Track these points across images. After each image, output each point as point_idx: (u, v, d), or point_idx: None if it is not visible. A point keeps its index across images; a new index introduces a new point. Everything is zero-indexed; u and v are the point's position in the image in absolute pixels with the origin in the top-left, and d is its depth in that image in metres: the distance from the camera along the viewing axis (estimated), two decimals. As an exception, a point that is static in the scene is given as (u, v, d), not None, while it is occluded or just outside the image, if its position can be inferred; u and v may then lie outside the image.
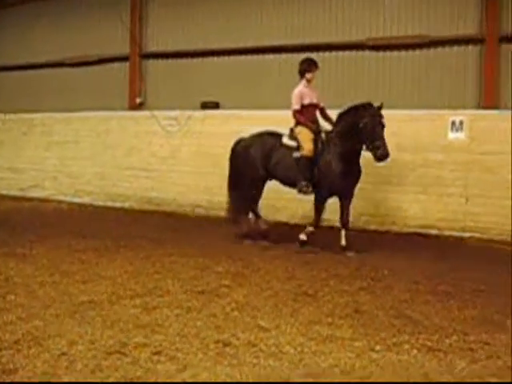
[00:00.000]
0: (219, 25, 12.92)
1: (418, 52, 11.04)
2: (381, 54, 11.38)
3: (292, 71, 11.80)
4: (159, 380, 3.94)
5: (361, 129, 8.09)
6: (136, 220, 11.75)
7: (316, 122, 8.86)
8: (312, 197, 8.69)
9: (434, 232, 10.09)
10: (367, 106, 8.19)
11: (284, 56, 12.20)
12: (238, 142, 9.46)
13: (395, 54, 11.27)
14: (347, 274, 7.17)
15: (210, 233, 10.15)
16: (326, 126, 8.85)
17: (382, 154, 7.97)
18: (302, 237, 8.70)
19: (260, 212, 9.47)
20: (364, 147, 8.20)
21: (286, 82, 11.83)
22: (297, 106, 8.70)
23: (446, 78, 10.86)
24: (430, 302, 6.05)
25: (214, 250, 8.42)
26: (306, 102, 8.73)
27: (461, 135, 10.04)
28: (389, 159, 8.07)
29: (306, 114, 8.71)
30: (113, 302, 5.68)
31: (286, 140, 8.86)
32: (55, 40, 15.23)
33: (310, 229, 8.68)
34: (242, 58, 12.78)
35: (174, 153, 12.81)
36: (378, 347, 4.67)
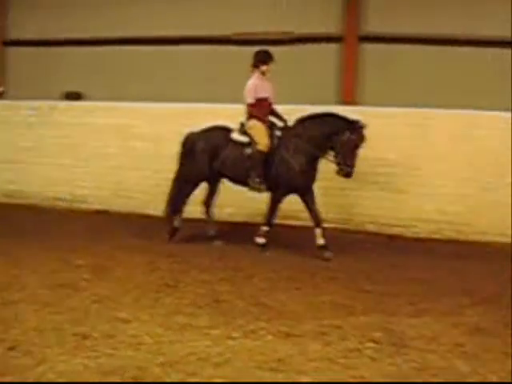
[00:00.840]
0: (86, 14, 12.55)
1: (281, 48, 11.27)
2: (245, 48, 11.52)
3: (157, 63, 11.91)
4: (15, 375, 3.89)
5: (340, 142, 7.84)
6: (-5, 214, 11.29)
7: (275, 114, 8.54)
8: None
9: (298, 223, 10.33)
10: (354, 122, 7.87)
11: (153, 48, 12.10)
12: (187, 137, 8.92)
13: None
14: (209, 265, 7.28)
15: (71, 226, 9.92)
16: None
17: (349, 173, 7.85)
18: (260, 240, 8.34)
19: (213, 214, 9.07)
20: (329, 157, 8.05)
21: (154, 75, 11.89)
22: (251, 100, 8.26)
23: (307, 75, 11.19)
24: (288, 290, 6.29)
25: (74, 244, 8.23)
26: (261, 95, 8.30)
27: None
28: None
29: (260, 109, 8.31)
30: (-34, 299, 5.50)
31: (235, 135, 8.46)
32: None
33: (265, 228, 8.34)
34: (110, 48, 12.50)
35: (36, 144, 12.38)
36: (234, 334, 4.82)
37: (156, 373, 4.05)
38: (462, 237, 9.71)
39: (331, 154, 8.04)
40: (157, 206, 10.29)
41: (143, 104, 11.34)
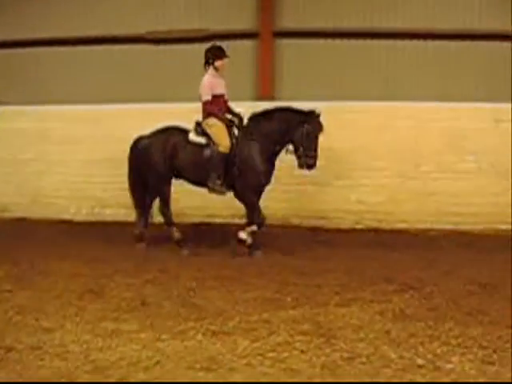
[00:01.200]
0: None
1: (197, 46, 11.21)
2: (161, 47, 11.44)
3: (71, 65, 11.61)
4: None
5: (299, 135, 7.82)
6: None
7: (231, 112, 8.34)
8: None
9: (218, 221, 10.34)
10: (310, 113, 7.86)
11: (66, 49, 11.74)
12: (137, 141, 8.62)
13: (175, 47, 11.37)
14: (133, 268, 7.17)
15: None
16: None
17: (311, 164, 7.83)
18: (249, 240, 8.06)
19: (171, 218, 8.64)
20: (288, 151, 8.00)
21: (68, 77, 11.58)
22: (207, 97, 8.01)
23: (224, 71, 11.17)
24: (215, 288, 6.28)
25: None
26: (217, 92, 8.09)
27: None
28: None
29: (216, 106, 8.08)
30: None
31: (192, 136, 8.22)
32: None
33: (254, 228, 8.08)
34: (21, 51, 11.99)
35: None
36: (164, 336, 4.77)
37: (86, 380, 3.96)
38: (383, 226, 9.94)
39: (290, 149, 8.01)
40: (77, 211, 10.14)
41: (58, 107, 11.08)
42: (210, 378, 4.01)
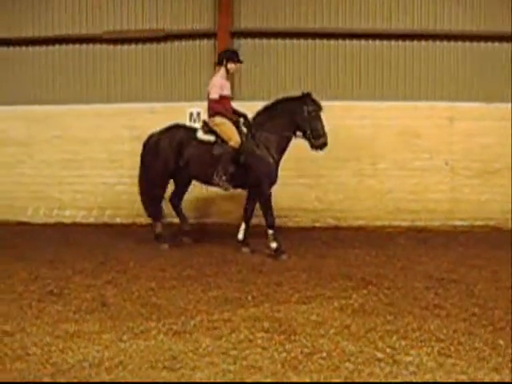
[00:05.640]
0: None
1: (154, 46, 11.21)
2: (118, 47, 11.36)
3: (25, 65, 11.45)
4: None
5: (303, 119, 7.98)
6: None
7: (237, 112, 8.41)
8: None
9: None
10: (304, 96, 8.05)
11: (22, 49, 11.55)
12: (149, 138, 8.69)
13: (132, 47, 11.32)
14: (92, 269, 7.14)
15: None
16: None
17: (323, 143, 7.98)
18: (273, 245, 7.96)
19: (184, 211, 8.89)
20: (301, 135, 8.12)
21: (23, 77, 11.42)
22: (216, 96, 8.14)
23: (182, 71, 11.19)
24: (176, 288, 6.29)
25: None
26: (224, 93, 8.25)
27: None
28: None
29: (223, 106, 8.22)
30: None
31: (200, 135, 8.33)
32: None
33: (271, 232, 7.99)
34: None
35: None
36: (125, 337, 4.76)
37: (47, 381, 3.94)
38: (340, 223, 10.06)
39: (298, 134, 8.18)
40: (34, 213, 10.02)
41: (9, 107, 10.98)
42: (173, 377, 4.02)
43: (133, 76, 11.29)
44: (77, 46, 11.44)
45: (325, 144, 8.05)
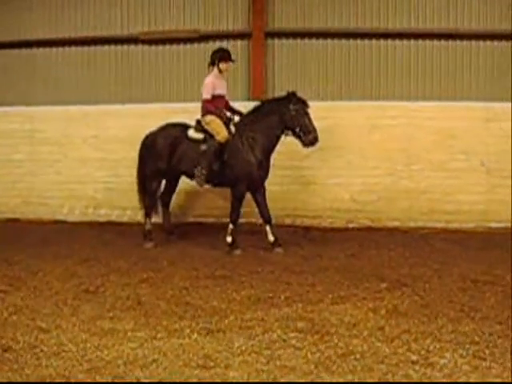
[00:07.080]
0: None
1: (191, 46, 11.26)
2: (153, 48, 11.45)
3: (63, 66, 11.61)
4: None
5: (291, 117, 8.06)
6: None
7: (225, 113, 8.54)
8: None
9: (210, 220, 10.36)
10: (290, 95, 8.16)
11: (58, 50, 11.68)
12: (147, 136, 8.89)
13: (167, 48, 11.38)
14: (128, 268, 7.22)
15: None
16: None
17: (313, 139, 8.01)
18: (228, 239, 8.23)
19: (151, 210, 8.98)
20: (290, 133, 8.19)
21: (59, 78, 11.58)
22: (208, 96, 8.30)
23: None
24: (209, 287, 6.32)
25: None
26: (217, 92, 8.39)
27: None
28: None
29: (215, 105, 8.35)
30: None
31: (191, 133, 8.50)
32: None
33: (231, 227, 8.24)
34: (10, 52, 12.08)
35: None
36: (159, 335, 4.81)
37: (82, 379, 3.98)
38: (375, 224, 9.99)
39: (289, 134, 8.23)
40: (70, 211, 10.15)
41: (47, 108, 11.14)
42: (206, 375, 4.04)
43: (167, 76, 11.36)
44: (113, 46, 11.55)
45: (315, 139, 8.06)
